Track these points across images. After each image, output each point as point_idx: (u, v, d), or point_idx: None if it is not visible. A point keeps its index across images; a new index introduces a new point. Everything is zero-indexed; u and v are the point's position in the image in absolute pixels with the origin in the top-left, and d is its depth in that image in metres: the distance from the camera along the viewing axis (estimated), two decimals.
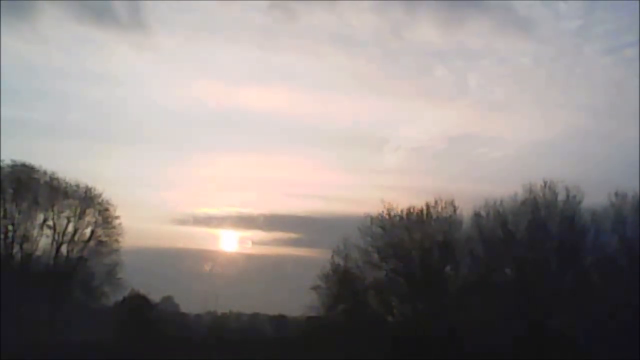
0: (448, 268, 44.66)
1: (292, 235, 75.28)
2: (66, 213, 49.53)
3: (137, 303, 54.43)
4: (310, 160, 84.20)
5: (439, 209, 44.38)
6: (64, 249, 49.39)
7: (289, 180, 79.36)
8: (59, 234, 49.09)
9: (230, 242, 78.62)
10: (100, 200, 50.76)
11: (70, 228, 49.42)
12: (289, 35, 74.28)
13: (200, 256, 78.87)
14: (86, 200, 50.28)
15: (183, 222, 78.54)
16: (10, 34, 66.22)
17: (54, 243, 49.01)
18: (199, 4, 72.98)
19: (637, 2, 60.58)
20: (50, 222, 48.90)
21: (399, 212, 44.80)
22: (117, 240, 50.86)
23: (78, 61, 71.46)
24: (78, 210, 49.79)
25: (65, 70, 71.02)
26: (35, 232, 48.62)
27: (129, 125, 79.38)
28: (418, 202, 45.38)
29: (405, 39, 76.85)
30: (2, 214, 47.47)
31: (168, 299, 70.32)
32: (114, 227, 51.02)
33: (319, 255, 49.71)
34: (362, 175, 77.44)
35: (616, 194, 41.97)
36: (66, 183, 50.02)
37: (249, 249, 79.37)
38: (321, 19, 73.99)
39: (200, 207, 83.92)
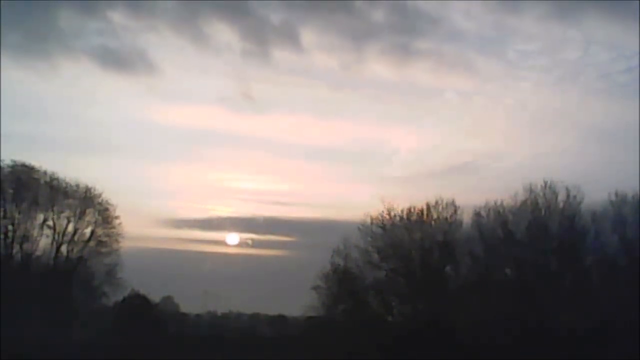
0: (448, 268, 44.67)
1: (288, 238, 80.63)
2: (66, 213, 49.56)
3: (137, 303, 54.48)
4: (308, 173, 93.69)
5: (439, 209, 44.44)
6: (64, 249, 49.41)
7: (286, 188, 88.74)
8: (59, 234, 49.10)
9: (230, 244, 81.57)
10: (100, 200, 50.85)
11: (70, 228, 49.48)
12: (262, 69, 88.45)
13: (200, 257, 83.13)
14: (86, 200, 50.30)
15: (183, 225, 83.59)
16: (30, 71, 78.85)
17: (54, 243, 49.02)
18: (189, 49, 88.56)
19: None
20: (50, 222, 48.93)
21: (399, 212, 44.85)
22: (117, 240, 50.93)
23: (86, 91, 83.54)
24: (78, 210, 49.81)
25: (73, 98, 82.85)
26: (35, 232, 48.67)
27: (134, 142, 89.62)
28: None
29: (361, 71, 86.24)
30: (2, 214, 47.48)
31: (168, 299, 70.41)
32: (113, 227, 51.08)
33: (315, 257, 51.00)
34: (359, 185, 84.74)
35: (616, 194, 42.00)
36: (66, 183, 50.08)
37: (248, 250, 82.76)
38: (289, 57, 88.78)
39: (200, 212, 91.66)
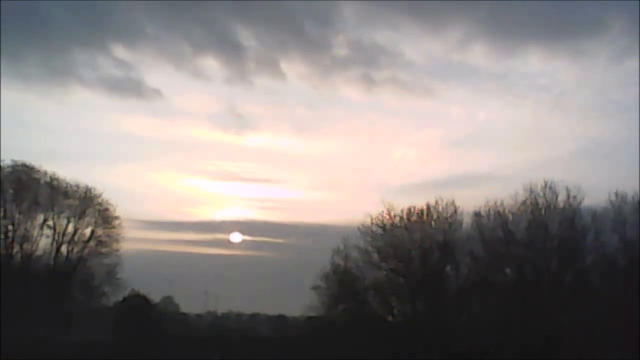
0: (448, 268, 44.58)
1: (282, 240, 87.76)
2: (66, 213, 49.61)
3: (137, 303, 54.47)
4: (297, 180, 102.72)
5: (439, 209, 44.39)
6: (64, 249, 49.45)
7: (279, 194, 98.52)
8: (59, 234, 49.14)
9: (229, 246, 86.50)
10: (100, 200, 50.88)
11: (70, 228, 49.54)
12: (247, 92, 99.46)
13: (200, 259, 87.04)
14: (86, 200, 50.32)
15: (181, 228, 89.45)
16: (48, 98, 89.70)
17: (54, 243, 49.06)
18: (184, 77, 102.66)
19: None
20: (50, 222, 48.97)
21: (399, 212, 44.83)
22: (117, 240, 50.95)
23: (95, 112, 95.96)
24: (78, 210, 49.83)
25: (83, 117, 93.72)
26: (35, 232, 48.73)
27: (137, 153, 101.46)
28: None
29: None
30: (2, 214, 47.49)
31: (168, 299, 70.47)
32: (113, 227, 51.11)
33: (314, 259, 52.24)
34: (353, 194, 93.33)
35: (616, 194, 41.98)
36: (66, 183, 50.14)
37: (247, 251, 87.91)
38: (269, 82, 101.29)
39: (198, 215, 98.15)
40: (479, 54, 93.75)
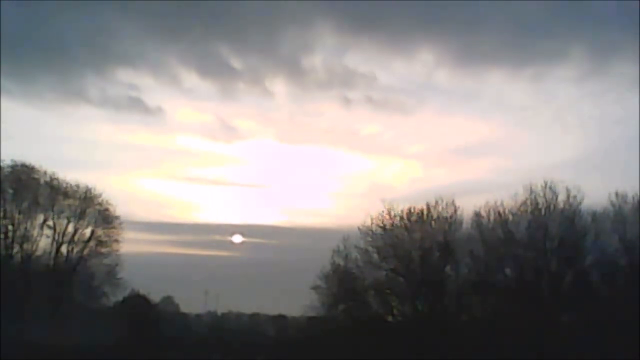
0: (448, 268, 44.58)
1: (280, 242, 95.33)
2: (66, 213, 49.50)
3: (137, 303, 54.50)
4: (291, 186, 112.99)
5: (439, 209, 44.35)
6: (64, 249, 49.35)
7: (274, 197, 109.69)
8: (59, 234, 49.07)
9: (228, 247, 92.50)
10: (100, 200, 50.83)
11: (70, 228, 49.42)
12: (238, 107, 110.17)
13: (199, 259, 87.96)
14: (86, 200, 50.27)
15: (182, 230, 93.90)
16: (58, 114, 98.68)
17: (54, 243, 48.98)
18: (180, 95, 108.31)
19: None
20: (50, 222, 48.87)
21: (399, 212, 44.82)
22: (117, 240, 50.92)
23: (101, 126, 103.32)
24: (78, 210, 49.79)
25: (89, 130, 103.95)
26: (35, 232, 48.62)
27: (142, 162, 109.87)
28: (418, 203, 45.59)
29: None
30: (2, 214, 47.44)
31: (168, 299, 70.59)
32: (114, 227, 51.04)
33: (313, 260, 52.62)
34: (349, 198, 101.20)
35: (616, 194, 42.00)
36: (66, 183, 50.06)
37: (246, 253, 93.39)
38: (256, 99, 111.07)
39: (199, 218, 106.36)
40: (446, 77, 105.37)
